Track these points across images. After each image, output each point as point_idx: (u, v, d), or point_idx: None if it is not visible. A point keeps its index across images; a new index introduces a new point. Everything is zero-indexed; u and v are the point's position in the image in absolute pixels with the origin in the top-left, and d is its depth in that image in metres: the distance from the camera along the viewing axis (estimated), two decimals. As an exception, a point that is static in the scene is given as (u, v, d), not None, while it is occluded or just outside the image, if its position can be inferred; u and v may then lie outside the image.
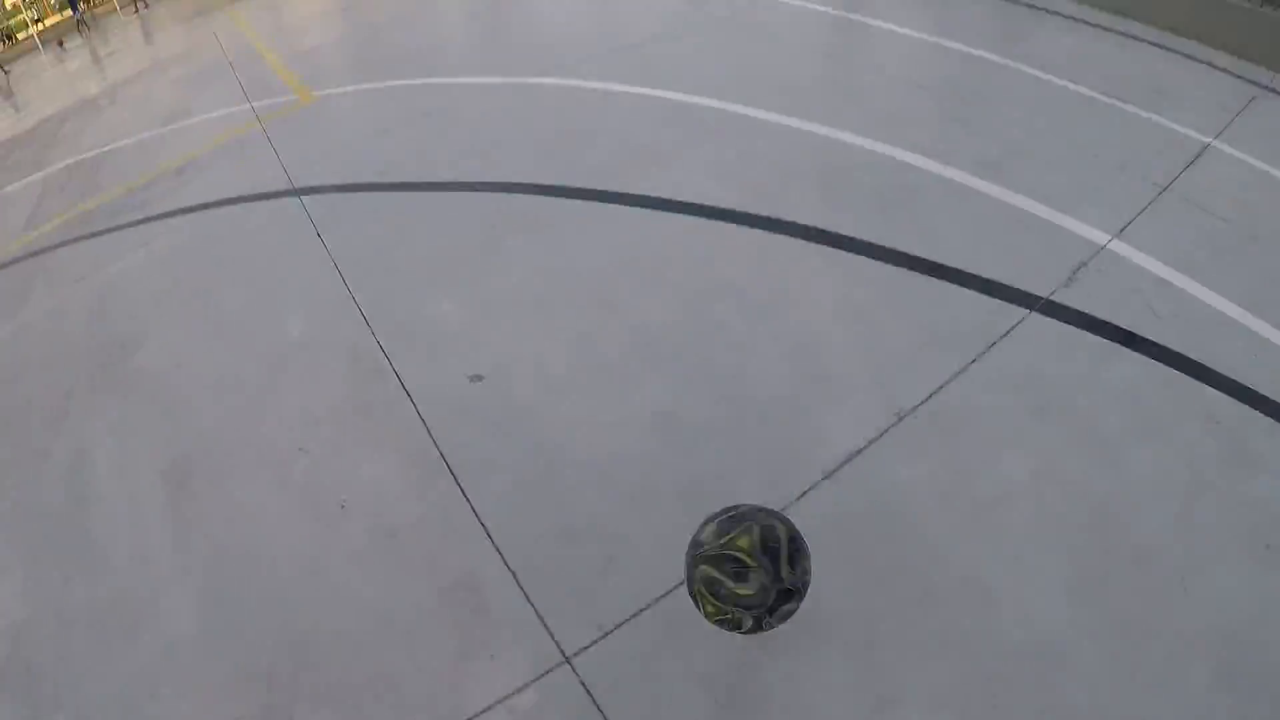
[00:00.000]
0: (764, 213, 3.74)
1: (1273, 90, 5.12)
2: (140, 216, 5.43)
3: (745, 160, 4.22)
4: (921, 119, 4.45)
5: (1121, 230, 3.45)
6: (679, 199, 3.95)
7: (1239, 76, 5.28)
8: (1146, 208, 3.65)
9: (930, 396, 2.76)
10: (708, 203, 3.88)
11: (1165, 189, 3.83)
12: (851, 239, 3.49)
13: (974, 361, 2.87)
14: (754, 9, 6.57)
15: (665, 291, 3.38)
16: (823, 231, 3.56)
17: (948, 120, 4.41)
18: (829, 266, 3.38)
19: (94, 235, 5.47)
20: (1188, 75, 5.31)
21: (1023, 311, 3.03)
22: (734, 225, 3.71)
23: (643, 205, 3.96)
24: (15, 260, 5.64)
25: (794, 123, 4.52)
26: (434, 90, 6.03)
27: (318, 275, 4.01)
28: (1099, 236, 3.40)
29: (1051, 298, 3.09)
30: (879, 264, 3.35)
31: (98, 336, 4.17)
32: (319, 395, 3.30)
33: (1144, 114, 4.58)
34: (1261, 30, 5.61)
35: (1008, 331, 2.96)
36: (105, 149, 7.16)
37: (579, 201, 4.08)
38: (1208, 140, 4.34)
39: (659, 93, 5.13)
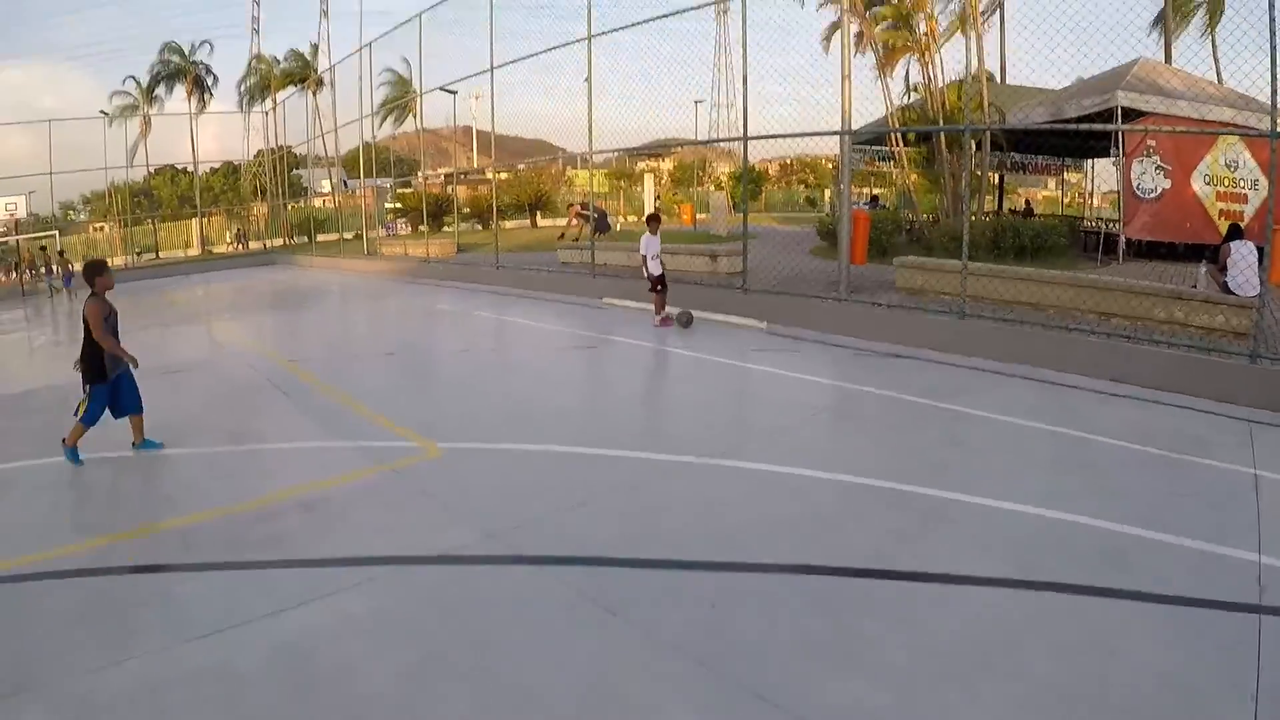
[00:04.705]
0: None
1: (1260, 423, 7.11)
2: (282, 557, 4.95)
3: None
4: (1073, 492, 5.66)
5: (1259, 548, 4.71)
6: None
7: (1229, 416, 7.33)
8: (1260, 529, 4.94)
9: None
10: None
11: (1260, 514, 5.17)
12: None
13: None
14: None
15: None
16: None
17: (1094, 492, 5.66)
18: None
19: (209, 568, 4.83)
20: (1202, 423, 7.22)
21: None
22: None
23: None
24: (65, 573, 4.80)
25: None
26: (586, 461, 6.47)
27: (651, 660, 3.80)
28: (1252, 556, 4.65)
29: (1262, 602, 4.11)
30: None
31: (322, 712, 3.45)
32: None
33: (1198, 460, 6.22)
34: (1244, 380, 7.78)
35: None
36: (159, 451, 6.97)
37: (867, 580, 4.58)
38: (1252, 471, 5.95)
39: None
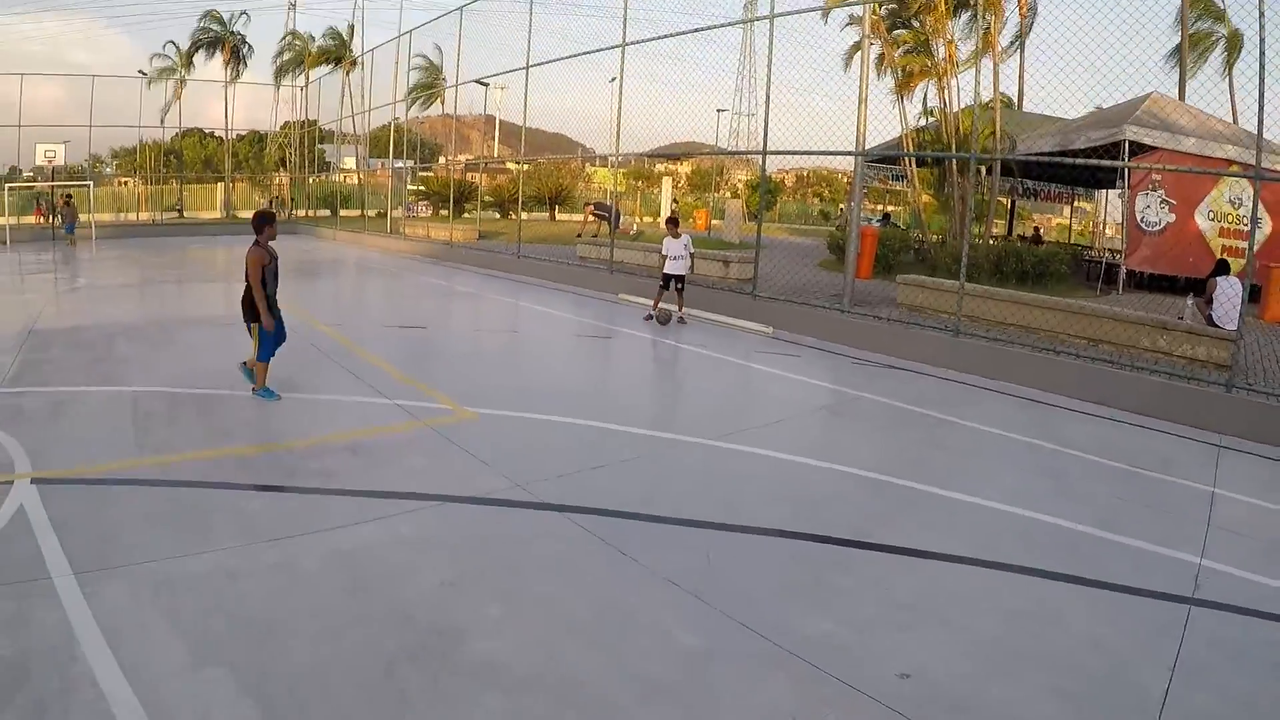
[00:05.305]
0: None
1: (1227, 448, 7.71)
2: (337, 487, 5.64)
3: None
4: (1039, 494, 6.21)
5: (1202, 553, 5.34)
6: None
7: (1201, 441, 7.96)
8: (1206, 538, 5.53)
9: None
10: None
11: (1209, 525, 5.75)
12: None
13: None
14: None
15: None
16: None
17: (1058, 496, 6.24)
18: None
19: (272, 489, 5.56)
20: (1173, 445, 7.87)
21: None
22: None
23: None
24: (138, 481, 5.56)
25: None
26: (604, 433, 7.13)
27: (654, 590, 4.41)
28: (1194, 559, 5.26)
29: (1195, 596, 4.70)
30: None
31: (380, 612, 4.04)
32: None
33: (1162, 476, 6.83)
34: (1219, 408, 8.39)
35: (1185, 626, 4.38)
36: (211, 391, 7.70)
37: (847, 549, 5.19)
38: (1210, 489, 6.54)
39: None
